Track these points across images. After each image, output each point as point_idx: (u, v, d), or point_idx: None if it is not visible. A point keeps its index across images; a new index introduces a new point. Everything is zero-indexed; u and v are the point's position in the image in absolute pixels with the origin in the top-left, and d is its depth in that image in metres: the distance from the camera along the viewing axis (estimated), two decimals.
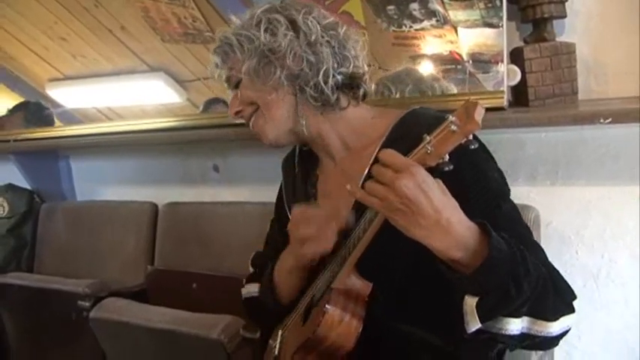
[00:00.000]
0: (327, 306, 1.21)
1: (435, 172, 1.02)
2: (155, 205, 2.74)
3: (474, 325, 1.07)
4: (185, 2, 2.39)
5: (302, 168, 1.54)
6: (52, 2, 2.68)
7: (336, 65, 1.34)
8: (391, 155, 1.03)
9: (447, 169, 1.01)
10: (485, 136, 1.99)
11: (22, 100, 3.14)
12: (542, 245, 1.78)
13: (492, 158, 1.33)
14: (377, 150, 1.31)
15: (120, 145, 2.85)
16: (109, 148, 2.95)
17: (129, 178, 2.99)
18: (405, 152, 1.04)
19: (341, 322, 1.21)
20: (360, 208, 1.21)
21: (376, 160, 1.26)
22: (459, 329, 1.09)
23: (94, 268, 2.77)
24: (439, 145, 1.00)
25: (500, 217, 1.20)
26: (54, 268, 2.90)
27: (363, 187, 1.13)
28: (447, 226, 1.02)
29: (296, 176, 1.55)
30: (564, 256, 1.98)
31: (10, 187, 3.11)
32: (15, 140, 2.93)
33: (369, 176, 1.26)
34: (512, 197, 1.94)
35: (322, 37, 1.33)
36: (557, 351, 1.90)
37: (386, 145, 1.31)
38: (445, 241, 1.03)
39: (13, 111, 3.14)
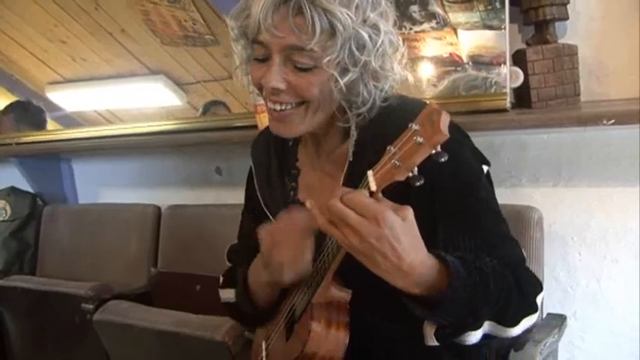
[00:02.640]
0: (311, 324, 1.19)
1: (403, 185, 0.97)
2: (158, 208, 2.74)
3: (432, 343, 1.11)
4: (185, 5, 2.39)
5: (278, 158, 1.43)
6: (51, 5, 2.68)
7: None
8: (356, 201, 0.98)
9: (417, 184, 0.94)
10: (488, 138, 2.03)
11: None
12: (545, 246, 1.82)
13: (465, 136, 1.24)
14: (351, 152, 1.25)
15: (122, 148, 2.85)
16: (111, 151, 2.96)
17: (131, 180, 3.00)
18: (375, 155, 0.99)
19: (328, 337, 1.20)
20: None
21: (351, 163, 1.24)
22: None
23: (96, 270, 2.77)
24: (406, 159, 0.93)
25: (473, 206, 1.18)
26: (57, 270, 2.90)
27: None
28: (408, 270, 1.00)
29: (270, 166, 1.43)
30: (567, 257, 1.99)
31: (13, 191, 3.12)
32: (17, 144, 2.94)
33: (347, 179, 1.23)
34: (515, 198, 1.97)
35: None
36: (561, 352, 1.90)
37: (359, 144, 1.24)
38: (405, 282, 1.03)
39: (4, 112, 3.15)
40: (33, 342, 2.68)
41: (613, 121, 1.63)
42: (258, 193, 1.45)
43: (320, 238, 1.22)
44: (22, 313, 2.67)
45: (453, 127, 1.16)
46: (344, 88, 1.15)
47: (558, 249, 1.99)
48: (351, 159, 1.25)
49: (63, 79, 2.95)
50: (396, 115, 1.18)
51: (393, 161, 0.95)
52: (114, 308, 2.18)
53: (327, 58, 1.12)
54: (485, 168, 1.25)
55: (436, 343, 1.10)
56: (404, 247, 0.98)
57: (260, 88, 1.22)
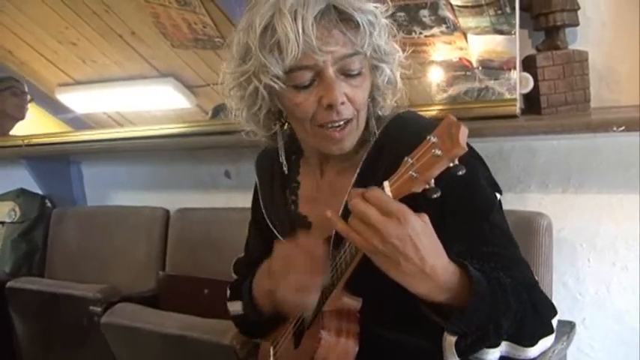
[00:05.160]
0: (322, 332, 1.19)
1: (420, 197, 0.97)
2: (167, 211, 2.74)
3: (452, 358, 1.08)
4: (195, 8, 2.39)
5: (280, 172, 1.41)
6: (62, 7, 2.69)
7: None
8: (378, 196, 0.97)
9: (434, 196, 0.95)
10: (498, 144, 2.02)
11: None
12: (554, 253, 1.81)
13: (479, 159, 1.24)
14: (362, 162, 1.25)
15: (132, 151, 2.86)
16: (120, 154, 2.97)
17: (140, 183, 3.01)
18: (389, 167, 1.00)
19: (337, 346, 1.20)
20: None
21: (361, 173, 1.24)
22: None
23: (104, 273, 2.77)
24: (424, 171, 0.93)
25: (488, 231, 1.18)
26: (65, 273, 2.90)
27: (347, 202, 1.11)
28: (431, 273, 0.99)
29: (273, 180, 1.44)
30: (576, 263, 1.98)
31: (22, 192, 3.13)
32: (27, 145, 2.95)
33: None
34: (524, 205, 1.97)
35: None
36: (569, 359, 1.90)
37: (370, 157, 1.25)
38: (427, 287, 1.01)
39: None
40: (41, 343, 2.69)
41: (623, 127, 1.62)
42: (262, 207, 1.45)
43: (333, 246, 1.22)
44: (30, 315, 2.68)
45: (470, 150, 1.15)
46: (388, 78, 1.20)
47: (567, 256, 1.98)
48: (358, 171, 1.25)
49: (73, 81, 2.95)
50: (409, 131, 1.18)
51: (410, 172, 0.95)
52: (121, 311, 2.19)
53: (369, 54, 1.15)
54: (497, 196, 1.23)
55: (456, 358, 1.08)
56: (426, 248, 0.97)
57: (311, 116, 1.18)
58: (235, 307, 1.50)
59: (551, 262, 1.83)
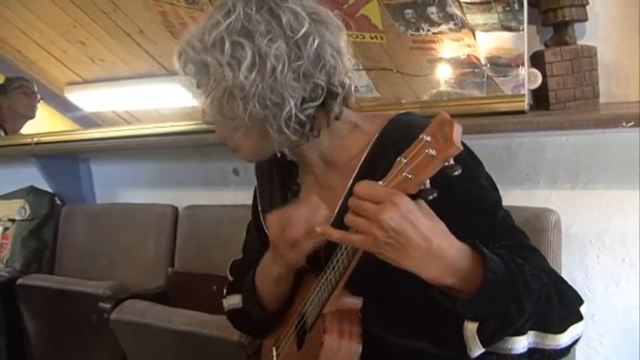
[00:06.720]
0: (324, 336, 1.19)
1: (416, 198, 0.96)
2: (175, 208, 2.75)
3: (476, 350, 1.05)
4: (203, 6, 2.40)
5: (280, 174, 1.42)
6: (71, 6, 2.70)
7: (303, 101, 1.17)
8: (368, 187, 0.97)
9: (430, 197, 0.93)
10: (506, 139, 2.02)
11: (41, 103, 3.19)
12: (563, 249, 1.81)
13: (481, 164, 1.22)
14: (359, 164, 1.24)
15: (140, 149, 2.87)
16: (129, 152, 2.98)
17: (149, 181, 3.01)
18: (388, 168, 0.98)
19: (340, 348, 1.19)
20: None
21: (359, 175, 1.23)
22: (463, 353, 1.07)
23: (114, 270, 2.79)
24: (418, 172, 0.91)
25: (498, 226, 1.16)
26: (74, 270, 2.92)
27: (344, 206, 1.10)
28: (438, 252, 0.97)
29: (273, 182, 1.44)
30: (585, 260, 1.98)
31: (32, 190, 3.14)
32: (36, 143, 2.96)
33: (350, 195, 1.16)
34: (532, 201, 1.96)
35: (289, 68, 1.14)
36: (579, 355, 1.89)
37: (368, 159, 1.24)
38: (437, 269, 0.98)
39: (11, 89, 3.21)
40: (50, 340, 2.70)
41: (632, 123, 1.61)
42: (260, 210, 1.45)
43: (329, 249, 1.21)
44: (40, 312, 2.70)
45: (467, 150, 1.15)
46: (219, 109, 1.21)
47: (576, 252, 1.97)
48: (355, 174, 1.24)
49: (82, 80, 2.97)
50: (408, 132, 1.14)
51: (404, 174, 0.93)
52: (131, 308, 2.20)
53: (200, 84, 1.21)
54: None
55: (481, 349, 1.04)
56: (426, 226, 0.96)
57: None
58: (233, 300, 1.50)
59: (560, 259, 1.82)
